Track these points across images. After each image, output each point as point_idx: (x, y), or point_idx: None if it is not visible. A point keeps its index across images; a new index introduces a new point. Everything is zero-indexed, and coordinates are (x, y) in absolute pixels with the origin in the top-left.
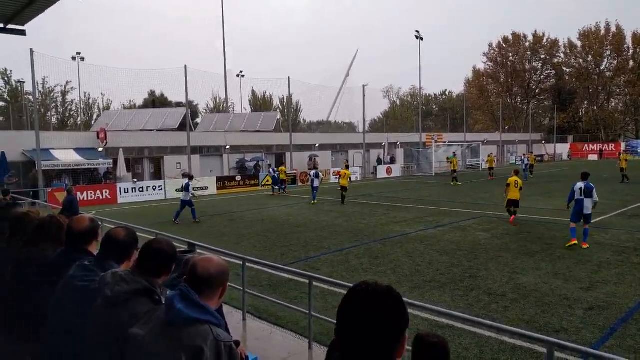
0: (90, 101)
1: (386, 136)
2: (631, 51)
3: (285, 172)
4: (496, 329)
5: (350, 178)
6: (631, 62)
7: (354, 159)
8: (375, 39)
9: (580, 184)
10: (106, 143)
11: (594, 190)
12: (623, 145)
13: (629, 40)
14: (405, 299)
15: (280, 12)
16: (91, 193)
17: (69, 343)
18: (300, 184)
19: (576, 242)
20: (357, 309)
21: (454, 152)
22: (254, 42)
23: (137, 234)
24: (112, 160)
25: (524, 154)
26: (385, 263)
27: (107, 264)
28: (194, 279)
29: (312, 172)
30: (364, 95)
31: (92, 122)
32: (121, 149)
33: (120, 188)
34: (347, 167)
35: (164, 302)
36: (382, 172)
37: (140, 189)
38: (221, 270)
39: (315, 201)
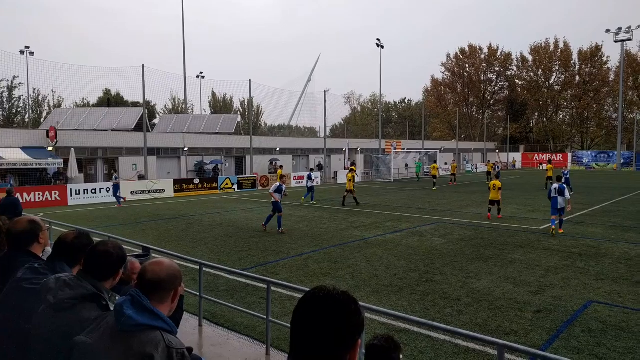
0: (40, 98)
1: (347, 142)
2: (577, 67)
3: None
4: (450, 333)
5: (351, 179)
6: (577, 77)
7: (314, 164)
8: (337, 46)
9: (555, 185)
10: (56, 142)
11: (566, 189)
12: (570, 155)
13: (575, 56)
14: (363, 304)
15: (243, 14)
16: (39, 194)
17: (13, 347)
18: (260, 187)
19: (553, 228)
20: (308, 314)
21: (419, 159)
22: (215, 43)
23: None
24: (62, 160)
25: (497, 162)
26: (344, 268)
27: (59, 266)
28: (144, 284)
29: (307, 173)
30: (325, 101)
31: (42, 119)
32: (73, 149)
33: (71, 189)
34: (351, 170)
35: (111, 308)
36: (342, 177)
37: (93, 191)
38: (172, 273)
39: (313, 201)
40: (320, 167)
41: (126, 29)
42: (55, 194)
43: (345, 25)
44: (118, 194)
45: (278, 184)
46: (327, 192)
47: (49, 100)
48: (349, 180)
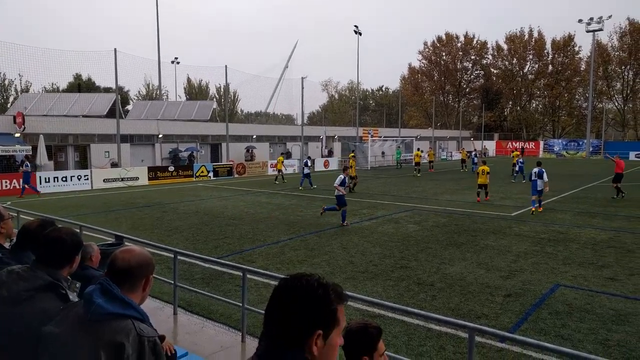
0: (6, 82)
1: (324, 129)
2: (550, 56)
3: (282, 162)
4: (424, 317)
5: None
6: (550, 67)
7: (292, 151)
8: (315, 33)
9: (535, 169)
10: (24, 128)
11: (544, 173)
12: (542, 143)
13: (548, 46)
14: (346, 292)
15: (219, 1)
16: (6, 182)
17: None
18: (236, 175)
19: (534, 209)
20: (273, 298)
21: (398, 146)
22: (191, 31)
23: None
24: (30, 147)
25: (475, 149)
26: (320, 255)
27: (25, 256)
28: (114, 272)
29: (304, 160)
30: (302, 88)
31: (8, 105)
32: (42, 135)
33: (40, 177)
34: (354, 156)
35: (70, 296)
36: (319, 165)
37: (64, 179)
38: (142, 261)
39: (301, 187)
40: (288, 155)
41: (98, 12)
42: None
43: (323, 12)
44: (30, 183)
45: (342, 176)
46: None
47: (15, 85)
48: (350, 167)
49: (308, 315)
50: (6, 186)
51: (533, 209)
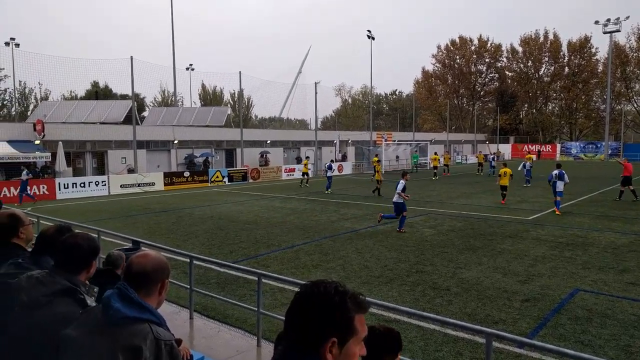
0: (26, 91)
1: (338, 134)
2: (566, 58)
3: (306, 165)
4: (440, 322)
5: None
6: (566, 69)
7: (305, 156)
8: (328, 38)
9: (555, 171)
10: (43, 135)
11: (565, 174)
12: (559, 146)
13: (564, 48)
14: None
15: (233, 8)
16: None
17: None
18: (251, 180)
19: (557, 211)
20: (293, 304)
21: (415, 150)
22: (205, 38)
23: (77, 231)
24: (50, 154)
25: (493, 152)
26: (334, 259)
27: (44, 261)
28: (130, 276)
29: (327, 164)
30: (316, 93)
31: (28, 113)
32: (60, 142)
33: (59, 183)
34: (378, 160)
35: (87, 301)
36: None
37: (82, 185)
38: (158, 265)
39: (328, 191)
40: (299, 160)
41: (113, 22)
42: (44, 187)
43: (335, 17)
44: (27, 191)
45: (403, 181)
46: (318, 184)
47: (35, 93)
48: (377, 172)
49: (322, 321)
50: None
51: (557, 210)
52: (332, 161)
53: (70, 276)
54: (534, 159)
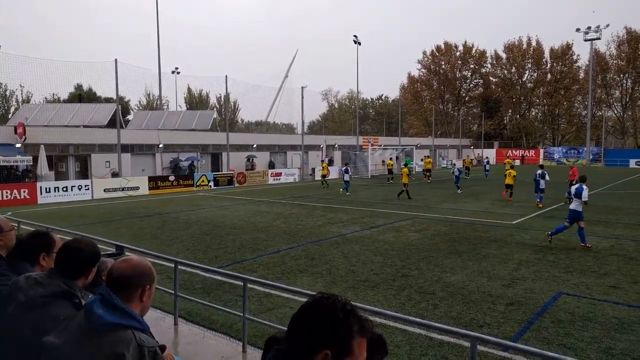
0: (7, 93)
1: (324, 138)
2: (549, 65)
3: (327, 168)
4: (425, 326)
5: (407, 174)
6: (549, 75)
7: (292, 160)
8: (315, 43)
9: (539, 171)
10: (25, 139)
11: (546, 174)
12: (542, 151)
13: (547, 54)
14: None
15: (220, 12)
16: (7, 192)
17: None
18: (237, 184)
19: (538, 202)
20: (300, 314)
21: (407, 155)
22: (191, 42)
23: (58, 236)
24: (31, 158)
25: (487, 157)
26: (321, 264)
27: (22, 266)
28: (111, 282)
29: (343, 168)
30: (302, 97)
31: (9, 115)
32: (42, 146)
33: (40, 187)
34: (405, 164)
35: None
36: (320, 173)
37: (64, 189)
38: (139, 271)
39: (348, 193)
40: (272, 166)
41: (98, 23)
42: (25, 192)
43: (323, 23)
44: None
45: (585, 187)
46: (304, 189)
47: (17, 96)
48: (407, 175)
49: (320, 333)
50: (7, 197)
51: (538, 202)
52: (346, 164)
53: (69, 280)
54: (513, 162)
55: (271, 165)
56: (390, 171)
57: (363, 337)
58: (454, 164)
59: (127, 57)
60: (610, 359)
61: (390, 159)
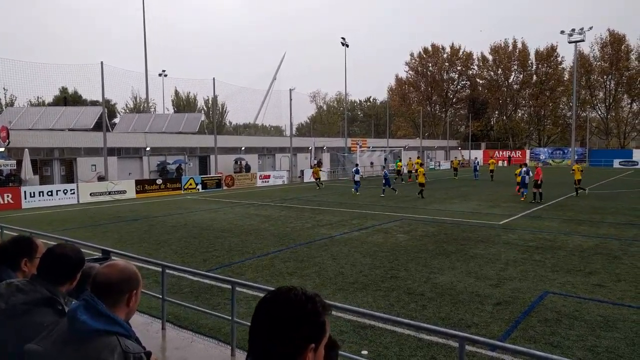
0: None
1: (313, 140)
2: (534, 67)
3: (319, 171)
4: (414, 327)
5: (424, 174)
6: (534, 77)
7: (280, 162)
8: (303, 45)
9: (525, 168)
10: (8, 142)
11: (530, 170)
12: (528, 152)
13: (532, 56)
14: (328, 301)
15: (209, 13)
16: None
17: None
18: (225, 187)
19: (523, 194)
20: (259, 314)
21: (398, 156)
22: (178, 42)
23: (42, 241)
24: (15, 162)
25: (476, 158)
26: (310, 266)
27: (4, 273)
28: (95, 287)
29: (354, 168)
30: (290, 99)
31: None
32: (27, 149)
33: (25, 192)
34: (421, 164)
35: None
36: (308, 175)
37: (49, 193)
38: (125, 276)
39: (358, 193)
40: (247, 169)
41: (85, 25)
42: (8, 196)
43: (310, 25)
44: None
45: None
46: (292, 191)
47: (0, 99)
48: (423, 174)
49: (301, 331)
50: None
51: (520, 195)
52: (357, 165)
53: (52, 286)
54: (496, 164)
55: (247, 169)
56: (399, 172)
57: (328, 314)
58: (383, 167)
59: (114, 60)
60: (596, 357)
61: (400, 160)
